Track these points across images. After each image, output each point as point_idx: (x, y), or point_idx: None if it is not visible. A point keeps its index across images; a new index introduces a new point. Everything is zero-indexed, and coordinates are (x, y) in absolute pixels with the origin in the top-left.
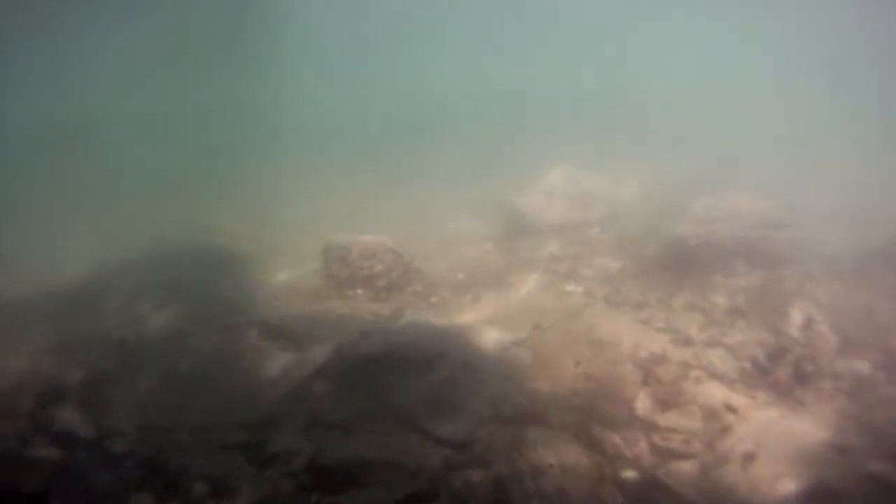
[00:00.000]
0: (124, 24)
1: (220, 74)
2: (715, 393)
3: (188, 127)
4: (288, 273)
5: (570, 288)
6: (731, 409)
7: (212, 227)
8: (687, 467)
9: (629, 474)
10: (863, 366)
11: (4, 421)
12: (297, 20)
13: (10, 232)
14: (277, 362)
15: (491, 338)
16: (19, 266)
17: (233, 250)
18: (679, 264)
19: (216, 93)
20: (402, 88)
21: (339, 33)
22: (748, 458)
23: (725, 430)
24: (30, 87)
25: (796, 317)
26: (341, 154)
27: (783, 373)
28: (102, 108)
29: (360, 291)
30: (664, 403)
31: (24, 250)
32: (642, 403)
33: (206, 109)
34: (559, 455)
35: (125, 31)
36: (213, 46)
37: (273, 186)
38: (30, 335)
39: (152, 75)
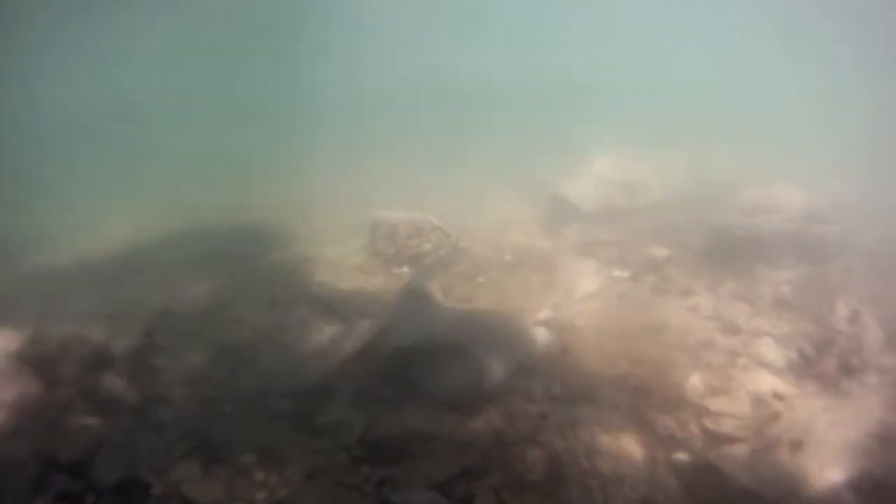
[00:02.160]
0: (170, 9)
1: (265, 57)
2: (763, 381)
3: (233, 108)
4: (333, 249)
5: (616, 273)
6: (778, 397)
7: (255, 202)
8: (737, 451)
9: (681, 456)
10: None
11: (48, 387)
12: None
13: (56, 208)
14: (325, 336)
15: (540, 321)
16: (65, 239)
17: (276, 225)
18: (725, 254)
19: (261, 75)
20: (448, 73)
21: (388, 16)
22: (796, 446)
23: (774, 416)
24: (74, 70)
25: (842, 310)
26: (387, 137)
27: (829, 364)
28: (145, 91)
29: (406, 269)
30: (713, 388)
31: (69, 225)
32: (692, 387)
33: (251, 92)
34: (612, 435)
35: (171, 15)
36: (260, 29)
37: (318, 166)
38: (74, 302)
39: (196, 58)
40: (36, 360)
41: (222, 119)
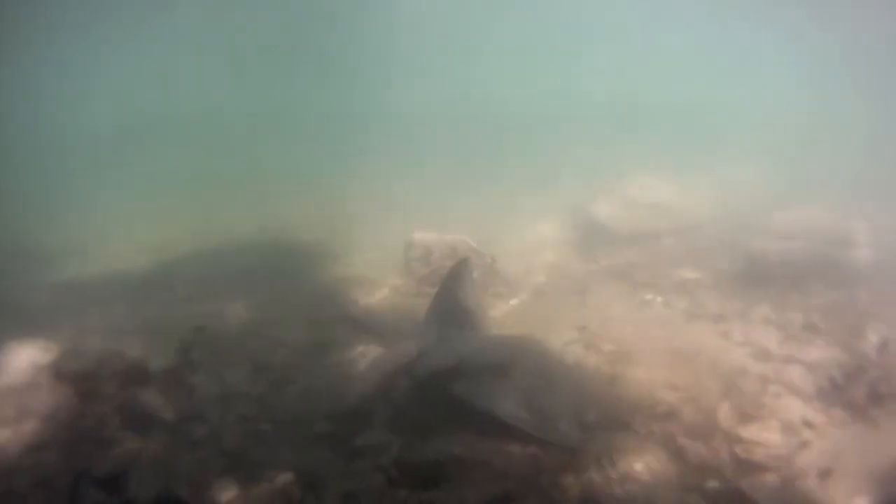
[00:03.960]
0: (194, 27)
1: (293, 75)
2: (793, 408)
3: (263, 127)
4: (367, 268)
5: (649, 297)
6: (808, 424)
7: (286, 221)
8: (767, 479)
9: (713, 484)
10: None
11: (84, 401)
12: (371, 22)
13: (88, 220)
14: (362, 357)
15: (571, 347)
16: (93, 253)
17: (310, 243)
18: (756, 279)
19: (297, 95)
20: (481, 94)
21: (421, 32)
22: (825, 474)
23: (803, 444)
24: (105, 85)
25: (872, 337)
26: (421, 156)
27: (859, 392)
28: (180, 107)
29: None
30: (745, 416)
31: (100, 237)
32: (724, 415)
33: (280, 110)
34: (646, 462)
35: (203, 33)
36: (293, 49)
37: (348, 185)
38: (106, 315)
39: (233, 77)
40: (72, 374)
41: (257, 137)
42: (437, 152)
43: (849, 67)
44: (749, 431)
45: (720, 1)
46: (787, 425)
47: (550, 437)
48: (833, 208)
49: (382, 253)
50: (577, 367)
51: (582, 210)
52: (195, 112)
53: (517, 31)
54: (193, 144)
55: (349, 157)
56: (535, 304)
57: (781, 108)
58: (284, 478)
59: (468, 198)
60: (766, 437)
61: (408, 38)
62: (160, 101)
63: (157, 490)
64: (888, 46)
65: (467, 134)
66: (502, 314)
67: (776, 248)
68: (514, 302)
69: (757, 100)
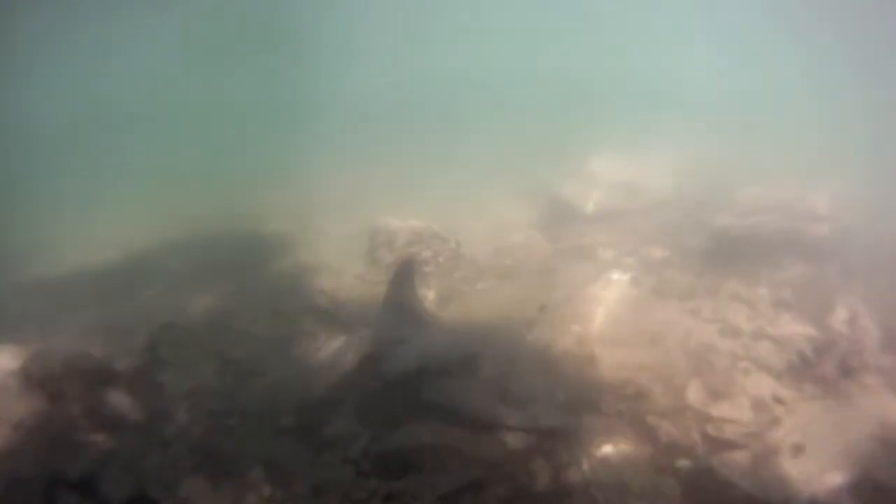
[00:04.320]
0: (165, 18)
1: (258, 64)
2: (763, 384)
3: (230, 117)
4: (332, 257)
5: (616, 276)
6: (779, 400)
7: (252, 212)
8: (739, 457)
9: (684, 463)
10: None
11: (53, 404)
12: (336, 7)
13: (51, 217)
14: (328, 348)
15: (537, 328)
16: (60, 249)
17: (275, 233)
18: (724, 255)
19: (257, 83)
20: (440, 76)
21: (380, 20)
22: (797, 450)
23: (774, 421)
24: (69, 79)
25: (841, 311)
26: (382, 141)
27: (829, 366)
28: (141, 99)
29: None
30: (715, 393)
31: (64, 234)
32: (694, 393)
33: (244, 100)
34: (615, 443)
35: (166, 24)
36: (252, 36)
37: (313, 173)
38: (74, 315)
39: (191, 68)
40: (40, 377)
41: (218, 127)
42: (403, 139)
43: (823, 37)
44: (719, 409)
45: None
46: (757, 402)
47: (533, 425)
48: (799, 183)
49: (348, 241)
50: (544, 351)
51: (548, 191)
52: (161, 105)
53: (483, 10)
54: (160, 138)
55: (316, 147)
56: (501, 287)
57: (749, 84)
58: (254, 472)
59: (435, 183)
60: (736, 415)
61: (375, 22)
62: (125, 95)
63: (130, 490)
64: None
65: (434, 119)
66: (468, 298)
67: (743, 223)
68: (480, 286)
69: (729, 76)
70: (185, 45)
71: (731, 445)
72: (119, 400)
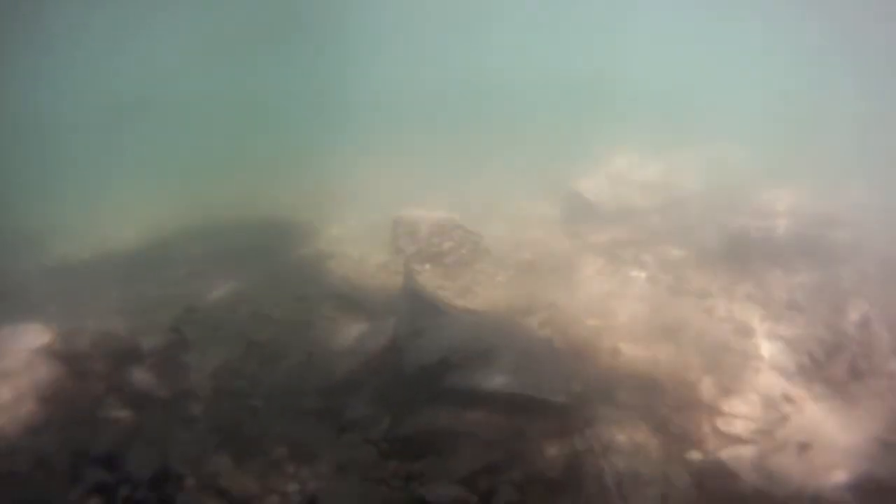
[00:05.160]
0: (181, 5)
1: (283, 52)
2: (774, 383)
3: (250, 106)
4: (355, 246)
5: (634, 273)
6: (788, 399)
7: (275, 200)
8: (747, 452)
9: (694, 456)
10: None
11: (79, 382)
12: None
13: (78, 201)
14: (351, 334)
15: (556, 323)
16: (83, 233)
17: (298, 222)
18: (740, 256)
19: (283, 74)
20: (466, 72)
21: (411, 12)
22: (803, 448)
23: (783, 419)
24: (93, 66)
25: (853, 315)
26: (406, 134)
27: (839, 369)
28: (164, 89)
29: (428, 267)
30: (726, 390)
31: (84, 220)
32: (706, 389)
33: (268, 89)
34: (629, 433)
35: (188, 12)
36: (278, 24)
37: (336, 163)
38: (99, 298)
39: (217, 57)
40: (67, 356)
41: (242, 116)
42: (427, 132)
43: (840, 46)
44: (730, 405)
45: None
46: (767, 400)
47: (540, 393)
48: (818, 187)
49: (371, 230)
50: (562, 343)
51: (569, 187)
52: (186, 94)
53: (512, 10)
54: (184, 127)
55: (339, 137)
56: (521, 281)
57: (771, 87)
58: (278, 451)
59: (458, 177)
60: (746, 411)
61: (406, 14)
62: (150, 84)
63: (155, 466)
64: (878, 26)
65: (460, 114)
66: (489, 290)
67: (760, 225)
68: (500, 279)
69: (747, 79)
70: (209, 33)
71: (739, 440)
72: (145, 379)
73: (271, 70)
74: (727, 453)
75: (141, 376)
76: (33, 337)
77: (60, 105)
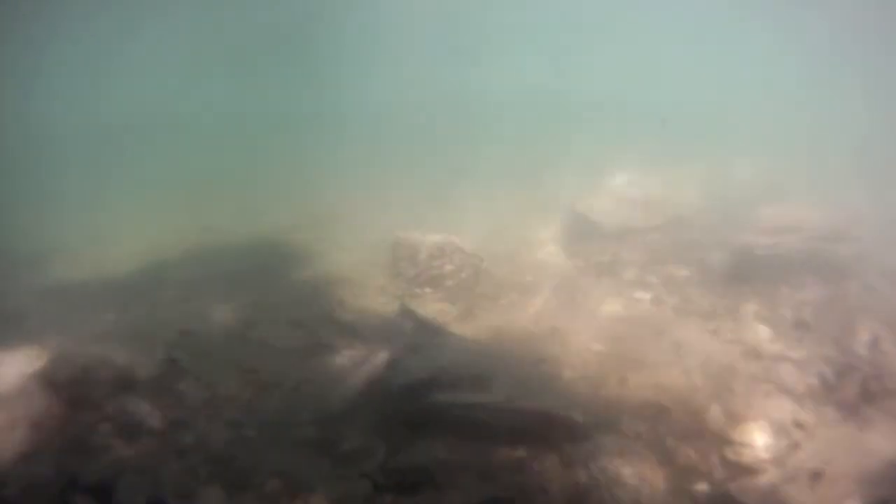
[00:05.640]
0: (179, 23)
1: (277, 74)
2: (783, 408)
3: (250, 127)
4: (354, 269)
5: (638, 295)
6: (799, 425)
7: (273, 220)
8: (757, 482)
9: (702, 487)
10: None
11: (71, 408)
12: (357, 20)
13: (73, 222)
14: (347, 361)
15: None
16: (82, 253)
17: (295, 243)
18: (745, 275)
19: (279, 92)
20: (464, 91)
21: (407, 32)
22: (816, 476)
23: (794, 446)
24: (89, 84)
25: (863, 335)
26: (404, 154)
27: (850, 391)
28: (162, 106)
29: (428, 290)
30: (735, 417)
31: (80, 240)
32: (714, 416)
33: (269, 109)
34: (634, 465)
35: (180, 30)
36: (272, 46)
37: (334, 184)
38: (92, 322)
39: (213, 75)
40: (59, 381)
41: (239, 136)
42: (425, 152)
43: (843, 57)
44: (739, 433)
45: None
46: (777, 426)
47: (536, 406)
48: (822, 202)
49: (370, 253)
50: (562, 370)
51: (570, 207)
52: (183, 112)
53: (509, 27)
54: (181, 145)
55: (337, 158)
56: (522, 304)
57: (772, 101)
58: (272, 484)
59: (457, 198)
60: (756, 439)
61: (399, 35)
62: (147, 101)
63: (146, 498)
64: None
65: (455, 134)
66: (491, 314)
67: (765, 242)
68: (502, 302)
69: (748, 93)
70: (210, 53)
71: (749, 470)
72: (138, 407)
73: (269, 89)
74: (736, 485)
75: (134, 404)
76: (27, 361)
77: (55, 125)
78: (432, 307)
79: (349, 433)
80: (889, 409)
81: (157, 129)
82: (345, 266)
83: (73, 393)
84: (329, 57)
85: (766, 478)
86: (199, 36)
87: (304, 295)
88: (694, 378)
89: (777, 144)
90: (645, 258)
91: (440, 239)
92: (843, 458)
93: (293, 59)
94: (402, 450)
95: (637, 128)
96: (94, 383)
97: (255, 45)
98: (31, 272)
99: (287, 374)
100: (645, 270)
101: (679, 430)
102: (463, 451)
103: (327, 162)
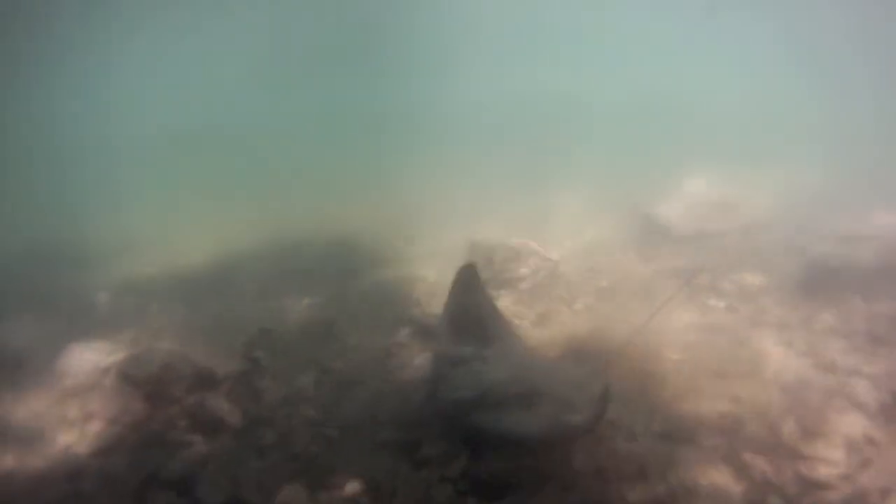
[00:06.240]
0: (254, 28)
1: (352, 73)
2: (857, 423)
3: (322, 129)
4: (430, 269)
5: (712, 302)
6: (871, 441)
7: (347, 220)
8: (829, 498)
9: (775, 502)
10: None
11: (150, 404)
12: (430, 21)
13: (147, 219)
14: (423, 363)
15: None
16: (156, 251)
17: (371, 242)
18: (820, 284)
19: (347, 92)
20: (548, 92)
21: (482, 33)
22: (885, 494)
23: (865, 463)
24: (164, 87)
25: None
26: (476, 154)
27: None
28: (239, 106)
29: (503, 293)
30: (808, 431)
31: (155, 238)
32: (788, 430)
33: (337, 110)
34: (710, 477)
35: (247, 35)
36: (347, 45)
37: (406, 184)
38: (169, 317)
39: (289, 75)
40: (136, 376)
41: (317, 134)
42: (496, 153)
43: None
44: (812, 448)
45: None
46: (850, 442)
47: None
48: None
49: (443, 254)
50: (638, 378)
51: (640, 210)
52: (252, 114)
53: (587, 31)
54: (251, 147)
55: (409, 159)
56: (598, 308)
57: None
58: (353, 485)
59: (528, 199)
60: (828, 454)
61: (477, 34)
62: (214, 105)
63: (226, 494)
64: None
65: (530, 136)
66: (567, 318)
67: (841, 251)
68: (577, 306)
69: (817, 95)
70: (279, 55)
71: (821, 486)
72: (217, 404)
73: (342, 90)
74: (808, 501)
75: (213, 401)
76: (103, 356)
77: (137, 128)
78: (507, 310)
79: (430, 436)
80: None
81: (226, 134)
82: (420, 267)
83: (150, 388)
84: (404, 55)
85: (837, 494)
86: (273, 40)
87: (381, 295)
88: (769, 390)
89: (847, 148)
90: (718, 264)
91: (516, 242)
92: None
93: (365, 59)
94: (483, 455)
95: (712, 131)
96: (172, 379)
97: (325, 46)
98: (101, 269)
99: (366, 374)
100: (718, 277)
101: (754, 443)
102: (541, 458)
103: (403, 165)
